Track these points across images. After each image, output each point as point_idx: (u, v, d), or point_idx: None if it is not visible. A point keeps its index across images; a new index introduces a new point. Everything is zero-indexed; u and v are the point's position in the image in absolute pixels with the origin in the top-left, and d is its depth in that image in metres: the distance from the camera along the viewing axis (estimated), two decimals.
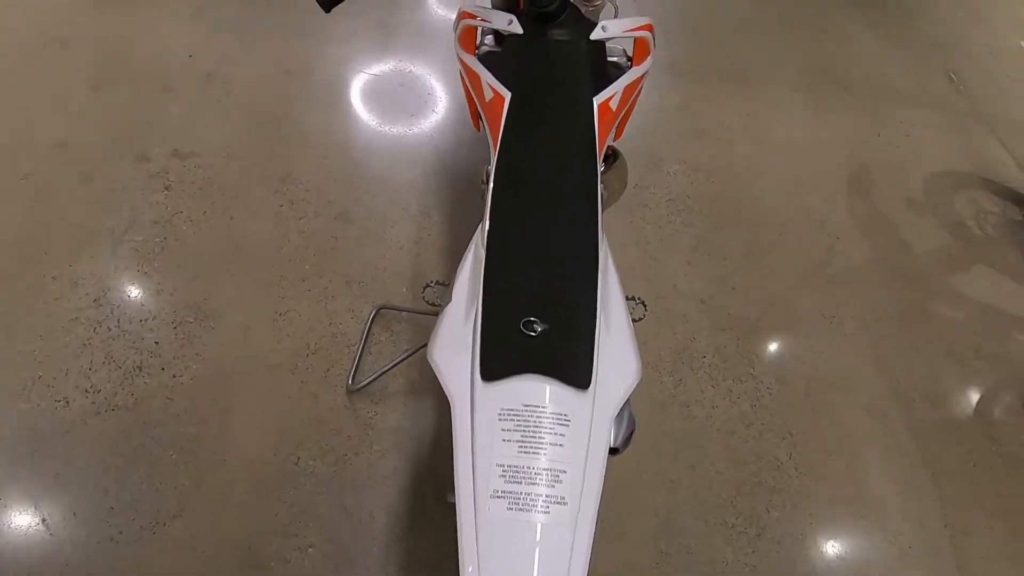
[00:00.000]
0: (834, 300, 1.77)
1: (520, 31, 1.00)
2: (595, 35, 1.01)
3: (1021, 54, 2.96)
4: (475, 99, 1.11)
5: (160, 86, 1.87)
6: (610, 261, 0.89)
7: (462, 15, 1.13)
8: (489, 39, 1.16)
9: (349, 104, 1.95)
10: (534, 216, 0.83)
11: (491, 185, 0.91)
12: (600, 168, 0.97)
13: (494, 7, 1.11)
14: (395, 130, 1.91)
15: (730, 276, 1.76)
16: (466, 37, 1.13)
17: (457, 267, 0.84)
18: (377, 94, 2.00)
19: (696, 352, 1.58)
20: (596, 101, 0.99)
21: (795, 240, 1.89)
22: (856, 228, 1.98)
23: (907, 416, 1.56)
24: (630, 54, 1.11)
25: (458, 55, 1.18)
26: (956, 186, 2.21)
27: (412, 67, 2.12)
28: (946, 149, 2.34)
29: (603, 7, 1.21)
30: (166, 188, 1.64)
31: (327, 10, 0.85)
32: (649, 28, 1.10)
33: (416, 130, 1.92)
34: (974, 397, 1.63)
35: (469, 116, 1.30)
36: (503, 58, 1.06)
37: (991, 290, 1.90)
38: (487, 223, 0.83)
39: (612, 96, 1.03)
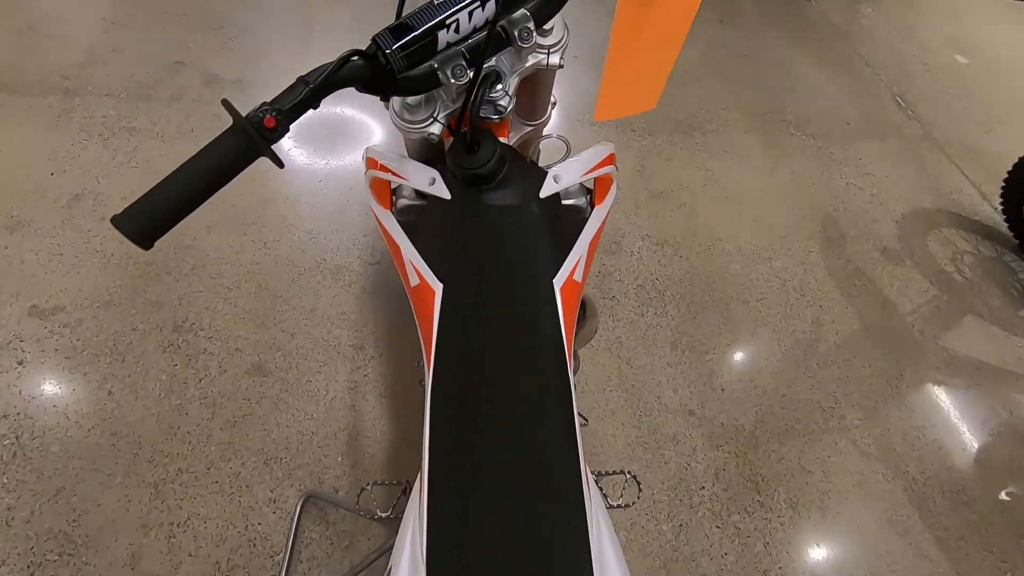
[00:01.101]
0: (830, 387, 1.58)
1: (446, 195, 0.74)
2: (546, 190, 0.76)
3: (957, 68, 2.93)
4: (397, 271, 0.85)
5: (7, 221, 1.51)
6: (602, 512, 0.65)
7: (368, 162, 0.87)
8: (409, 190, 0.90)
9: (257, 215, 1.65)
10: (490, 464, 0.59)
11: (427, 411, 0.66)
12: (572, 372, 0.72)
13: (411, 151, 0.85)
14: (315, 244, 1.62)
15: (717, 375, 1.55)
16: (378, 187, 0.87)
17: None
18: (292, 197, 1.71)
19: (694, 483, 1.36)
20: (557, 284, 0.75)
21: (777, 316, 1.71)
22: (837, 291, 1.81)
23: (929, 522, 1.38)
24: (589, 185, 0.88)
25: (371, 207, 0.91)
26: (927, 226, 2.09)
27: (328, 159, 1.83)
28: (908, 184, 2.23)
29: (547, 121, 0.98)
30: (19, 364, 1.29)
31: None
32: (611, 160, 0.87)
33: (339, 242, 1.63)
34: (996, 486, 1.48)
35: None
36: (428, 226, 0.80)
37: (985, 345, 1.77)
38: (425, 478, 0.59)
39: (576, 264, 0.79)
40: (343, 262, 1.59)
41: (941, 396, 1.63)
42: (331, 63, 0.59)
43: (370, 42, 0.63)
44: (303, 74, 0.58)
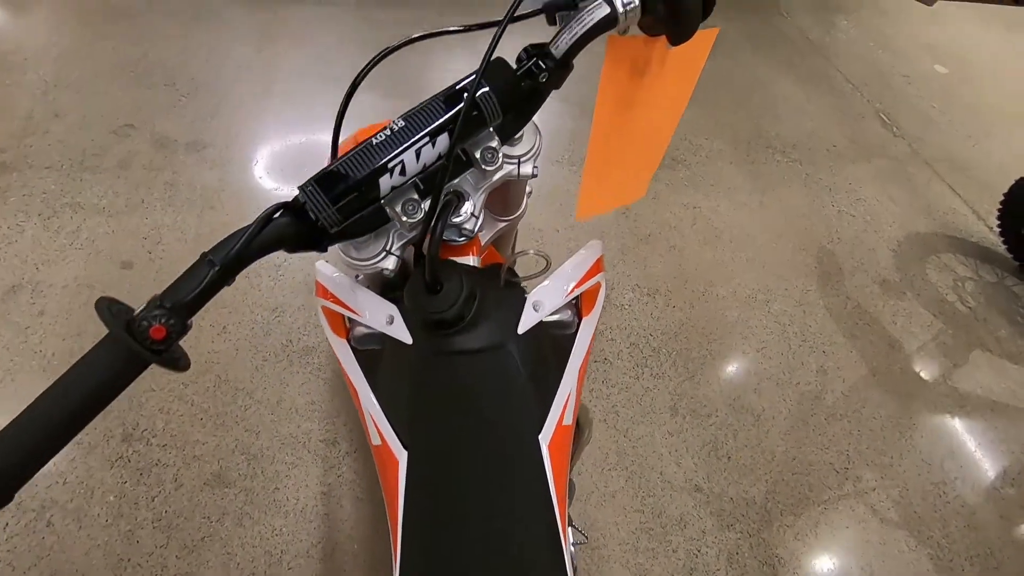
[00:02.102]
0: (842, 445, 1.48)
1: (407, 339, 0.63)
2: (525, 324, 0.65)
3: (938, 79, 2.88)
4: (357, 417, 0.73)
5: None
6: None
7: (318, 288, 0.75)
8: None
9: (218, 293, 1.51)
10: None
11: None
12: (569, 552, 0.61)
13: (364, 280, 0.73)
14: (280, 323, 1.49)
15: (721, 441, 1.45)
16: (331, 316, 0.75)
17: None
18: (252, 271, 1.57)
19: (705, 571, 1.24)
20: (544, 440, 0.63)
21: (780, 368, 1.61)
22: (839, 332, 1.72)
23: None
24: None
25: (327, 335, 0.79)
26: (924, 251, 2.01)
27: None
28: (900, 207, 2.15)
29: (523, 214, 0.86)
30: None
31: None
32: (599, 267, 0.76)
33: (306, 319, 1.51)
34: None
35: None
36: (389, 370, 0.68)
37: (996, 381, 1.69)
38: None
39: (566, 405, 0.68)
40: (311, 342, 1.46)
41: (957, 445, 1.53)
42: (247, 228, 0.47)
43: (297, 193, 0.51)
44: (206, 250, 0.46)
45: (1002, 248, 2.02)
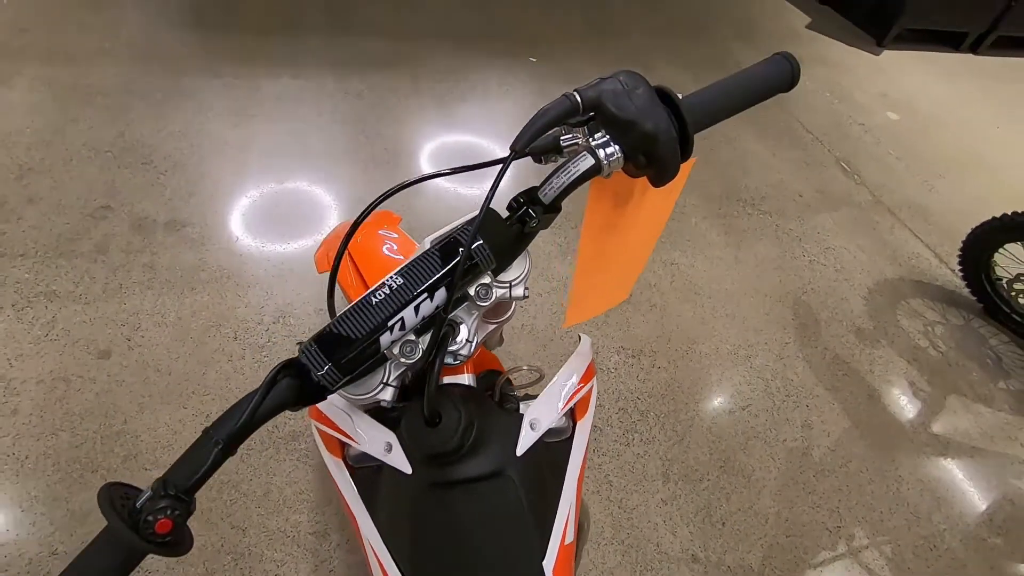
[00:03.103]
0: (832, 502, 1.50)
1: (406, 469, 0.63)
2: (523, 445, 0.65)
3: (891, 126, 3.04)
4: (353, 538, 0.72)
5: None
6: None
7: (312, 411, 0.75)
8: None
9: (197, 382, 1.49)
10: None
11: None
12: None
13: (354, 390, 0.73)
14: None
15: (715, 505, 1.45)
16: (326, 436, 0.74)
17: None
18: (236, 354, 1.56)
19: None
20: (548, 566, 0.63)
21: (766, 425, 1.63)
22: (820, 385, 1.76)
23: None
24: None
25: (322, 455, 0.79)
26: (894, 298, 2.09)
27: (272, 297, 1.70)
28: (868, 255, 2.24)
29: (512, 316, 0.88)
30: None
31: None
32: (592, 373, 0.78)
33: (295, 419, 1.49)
34: None
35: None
36: (388, 496, 0.67)
37: (973, 425, 1.73)
38: None
39: (567, 524, 0.68)
40: (298, 427, 1.44)
41: (943, 494, 1.56)
42: (250, 399, 0.47)
43: (297, 352, 0.52)
44: (214, 429, 0.46)
45: (966, 291, 2.11)
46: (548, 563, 0.62)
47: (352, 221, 0.63)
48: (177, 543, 0.43)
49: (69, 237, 1.75)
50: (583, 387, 0.75)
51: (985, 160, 2.89)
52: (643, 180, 0.63)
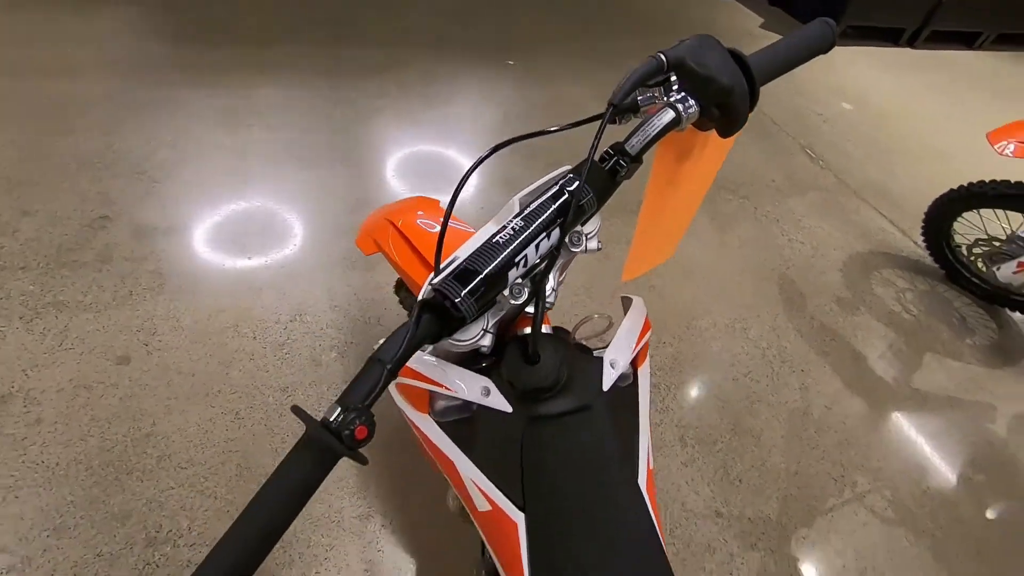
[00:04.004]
0: (834, 455, 1.62)
1: (507, 409, 0.69)
2: (607, 382, 0.73)
3: (846, 116, 3.26)
4: (453, 488, 0.77)
5: None
6: None
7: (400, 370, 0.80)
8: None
9: (221, 382, 1.49)
10: None
11: None
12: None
13: (445, 355, 0.78)
14: (292, 403, 1.48)
15: (731, 464, 1.54)
16: (410, 394, 0.79)
17: None
18: (258, 353, 1.57)
19: None
20: (643, 484, 0.70)
21: (767, 390, 1.74)
22: (812, 351, 1.89)
23: None
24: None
25: (400, 409, 0.83)
26: (866, 269, 2.25)
27: (288, 298, 1.71)
28: (839, 232, 2.40)
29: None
30: None
31: None
32: (648, 322, 0.85)
33: (318, 396, 1.51)
34: (1011, 535, 1.54)
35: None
36: (485, 438, 0.73)
37: (948, 379, 1.89)
38: None
39: (649, 450, 0.76)
40: None
41: (929, 440, 1.70)
42: (401, 329, 0.53)
43: (431, 292, 0.58)
44: (373, 352, 0.52)
45: (930, 260, 2.29)
46: (643, 482, 0.69)
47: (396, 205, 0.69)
48: (363, 452, 0.48)
49: (69, 247, 1.73)
50: (644, 336, 0.83)
51: (935, 146, 3.14)
52: (702, 137, 0.72)
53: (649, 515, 0.67)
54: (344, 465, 1.38)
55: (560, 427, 0.68)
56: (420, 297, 0.59)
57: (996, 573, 1.44)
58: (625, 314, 0.82)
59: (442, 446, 0.76)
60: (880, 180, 2.77)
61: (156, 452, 1.34)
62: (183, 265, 1.74)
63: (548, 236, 0.60)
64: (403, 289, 1.25)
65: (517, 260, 0.58)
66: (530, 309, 0.73)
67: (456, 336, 0.67)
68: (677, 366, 1.75)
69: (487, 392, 0.70)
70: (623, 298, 0.84)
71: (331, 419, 0.47)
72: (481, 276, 0.57)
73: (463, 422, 0.81)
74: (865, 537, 1.45)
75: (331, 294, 1.75)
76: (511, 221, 0.60)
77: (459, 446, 0.75)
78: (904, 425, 1.73)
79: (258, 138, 2.24)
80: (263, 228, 1.90)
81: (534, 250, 0.59)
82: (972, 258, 2.13)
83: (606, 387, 0.72)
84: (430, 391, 0.79)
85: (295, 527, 1.27)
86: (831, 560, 1.40)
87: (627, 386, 0.82)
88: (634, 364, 0.84)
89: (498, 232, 0.59)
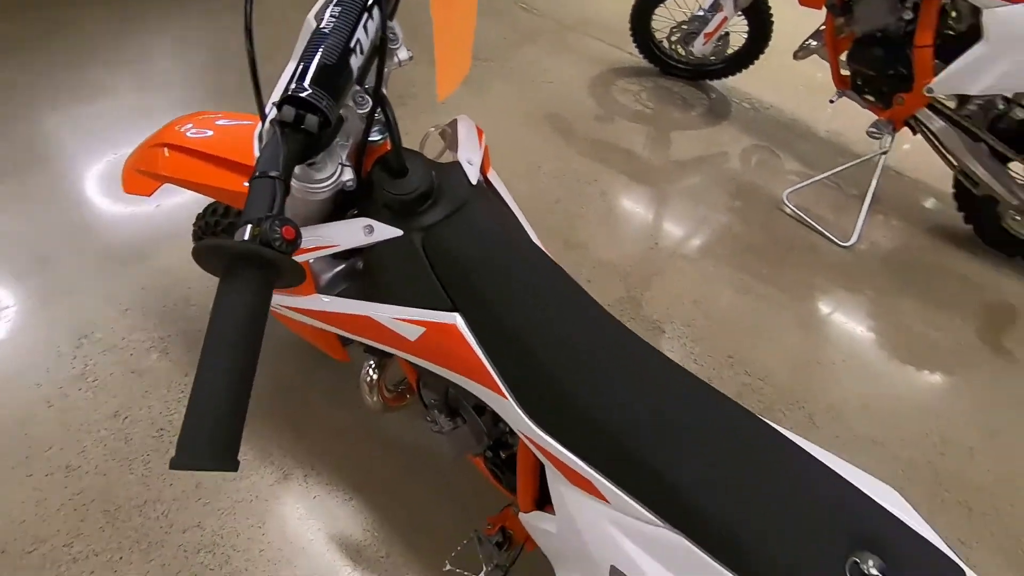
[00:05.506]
0: (644, 231, 1.91)
1: (397, 233, 0.68)
2: (472, 176, 0.76)
3: None
4: (376, 345, 0.75)
5: None
6: None
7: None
8: (323, 261, 0.78)
9: (37, 444, 1.19)
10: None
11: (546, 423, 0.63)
12: None
13: (305, 220, 0.72)
14: (136, 420, 1.26)
15: (576, 275, 1.73)
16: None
17: None
18: (63, 385, 1.26)
19: None
20: (538, 243, 0.77)
21: (577, 205, 1.95)
22: (595, 163, 2.14)
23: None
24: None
25: (283, 311, 0.78)
26: (606, 87, 2.56)
27: (95, 335, 1.38)
28: (574, 64, 2.67)
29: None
30: None
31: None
32: (481, 132, 0.90)
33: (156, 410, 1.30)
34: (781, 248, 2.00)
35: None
36: (386, 275, 0.71)
37: (692, 144, 2.31)
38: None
39: (527, 223, 0.83)
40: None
41: (698, 192, 2.09)
42: (272, 141, 0.49)
43: (282, 104, 0.52)
44: (261, 172, 0.47)
45: (646, 62, 2.68)
46: (537, 243, 0.76)
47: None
48: (297, 264, 0.44)
49: None
50: (482, 139, 0.86)
51: None
52: None
53: (556, 265, 0.74)
54: (241, 447, 1.24)
55: (451, 227, 0.70)
56: (268, 120, 0.54)
57: (771, 264, 1.88)
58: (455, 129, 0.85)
59: (348, 309, 0.73)
60: (586, 14, 3.09)
61: None
62: None
63: (372, 16, 0.58)
64: (208, 215, 1.10)
65: (352, 45, 0.56)
66: (376, 138, 0.71)
67: (316, 178, 0.63)
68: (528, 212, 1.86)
69: (371, 229, 0.68)
70: (452, 121, 0.87)
71: (247, 238, 0.43)
72: (325, 65, 0.54)
73: (357, 277, 0.78)
74: (682, 280, 1.78)
75: (114, 299, 1.47)
76: (327, 10, 0.57)
77: (366, 299, 0.73)
78: (680, 186, 2.09)
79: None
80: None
81: (363, 32, 0.57)
82: (672, 47, 2.55)
83: (473, 181, 0.75)
84: (312, 271, 0.75)
85: (213, 531, 1.13)
86: (683, 307, 1.70)
87: (487, 184, 0.86)
88: (483, 172, 0.88)
89: (319, 26, 0.56)
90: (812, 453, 0.57)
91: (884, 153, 1.92)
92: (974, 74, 1.53)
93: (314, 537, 1.14)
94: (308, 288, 0.74)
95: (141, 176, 0.93)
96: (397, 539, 1.15)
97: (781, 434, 0.59)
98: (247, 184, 0.48)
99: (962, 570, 0.50)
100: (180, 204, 1.74)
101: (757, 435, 0.58)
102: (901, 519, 0.53)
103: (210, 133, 0.90)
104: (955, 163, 1.76)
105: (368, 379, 1.03)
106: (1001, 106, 1.75)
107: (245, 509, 1.17)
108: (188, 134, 0.91)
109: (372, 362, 1.03)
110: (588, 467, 0.60)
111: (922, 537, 0.52)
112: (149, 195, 0.92)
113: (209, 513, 1.16)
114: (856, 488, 0.54)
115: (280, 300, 0.76)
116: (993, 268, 1.84)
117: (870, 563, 0.47)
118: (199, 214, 1.17)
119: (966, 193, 1.82)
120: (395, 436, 1.29)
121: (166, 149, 0.91)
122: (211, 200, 1.19)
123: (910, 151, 2.26)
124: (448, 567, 0.95)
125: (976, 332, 1.65)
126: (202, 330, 1.41)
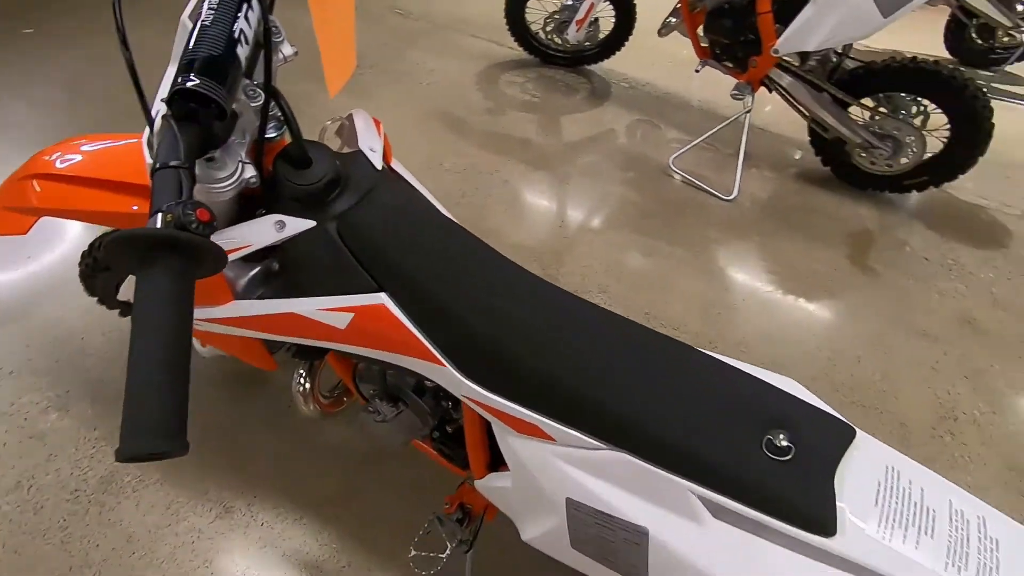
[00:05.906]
0: (554, 215, 1.99)
1: (310, 224, 0.68)
2: (376, 162, 0.78)
3: None
4: (306, 342, 0.75)
5: None
6: None
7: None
8: (235, 266, 0.76)
9: None
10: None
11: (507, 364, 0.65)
12: None
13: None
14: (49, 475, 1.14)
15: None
16: (208, 287, 0.72)
17: None
18: None
19: None
20: (449, 216, 0.80)
21: (481, 195, 2.00)
22: (493, 154, 2.20)
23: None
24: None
25: (204, 323, 0.76)
26: (493, 81, 2.63)
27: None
28: (458, 62, 2.72)
29: None
30: None
31: None
32: (378, 122, 0.91)
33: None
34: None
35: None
36: (309, 267, 0.71)
37: (580, 128, 2.43)
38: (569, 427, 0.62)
39: (437, 202, 0.86)
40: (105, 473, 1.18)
41: (593, 169, 2.20)
42: (168, 135, 0.49)
43: (172, 100, 0.51)
44: (162, 164, 0.46)
45: (526, 54, 2.78)
46: (449, 216, 0.79)
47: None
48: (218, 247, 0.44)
49: None
50: (380, 130, 0.88)
51: None
52: None
53: (469, 232, 0.77)
54: (171, 491, 1.17)
55: (364, 210, 0.71)
56: (158, 119, 0.53)
57: (668, 224, 2.02)
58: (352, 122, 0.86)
59: (272, 310, 0.73)
60: (463, 12, 3.15)
61: None
62: None
63: (250, 6, 0.58)
64: (96, 251, 1.03)
65: (236, 36, 0.56)
66: (272, 135, 0.71)
67: (217, 177, 0.63)
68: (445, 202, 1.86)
69: (282, 224, 0.68)
70: (348, 115, 0.87)
71: (159, 225, 0.42)
72: (211, 56, 0.53)
73: (274, 278, 0.77)
74: (591, 252, 1.88)
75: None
76: (204, 5, 0.56)
77: (288, 296, 0.72)
78: (576, 166, 2.19)
79: None
80: None
81: (245, 23, 0.57)
82: (549, 37, 2.66)
83: (378, 167, 0.76)
84: (226, 277, 0.73)
85: None
86: (596, 276, 1.79)
87: (391, 171, 0.88)
88: (386, 161, 0.89)
89: (198, 20, 0.55)
90: (718, 358, 0.65)
91: (748, 112, 2.13)
92: (808, 32, 1.74)
93: (270, 563, 1.10)
94: (225, 296, 0.72)
95: (11, 214, 0.85)
96: (356, 546, 1.13)
97: (689, 346, 0.66)
98: (150, 181, 0.47)
99: (854, 431, 0.59)
100: (58, 254, 1.60)
101: (668, 349, 0.65)
102: (802, 400, 0.61)
103: (80, 158, 0.85)
104: (807, 113, 1.98)
105: (301, 389, 1.01)
106: (834, 59, 2.00)
107: (188, 551, 1.10)
108: (58, 163, 0.85)
109: (302, 371, 1.01)
110: (531, 411, 0.64)
111: (821, 410, 0.61)
112: (25, 232, 0.85)
113: (147, 565, 1.08)
114: (762, 380, 0.62)
115: (199, 314, 0.74)
116: (852, 201, 2.10)
117: (781, 437, 0.55)
118: (84, 252, 1.09)
119: (820, 139, 2.06)
120: (335, 447, 1.27)
121: (35, 182, 0.85)
122: (94, 237, 1.11)
123: (771, 111, 2.51)
124: (413, 553, 0.96)
125: (847, 257, 1.88)
126: (104, 380, 1.34)
